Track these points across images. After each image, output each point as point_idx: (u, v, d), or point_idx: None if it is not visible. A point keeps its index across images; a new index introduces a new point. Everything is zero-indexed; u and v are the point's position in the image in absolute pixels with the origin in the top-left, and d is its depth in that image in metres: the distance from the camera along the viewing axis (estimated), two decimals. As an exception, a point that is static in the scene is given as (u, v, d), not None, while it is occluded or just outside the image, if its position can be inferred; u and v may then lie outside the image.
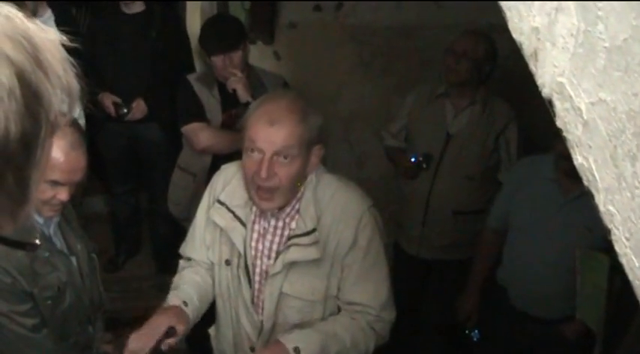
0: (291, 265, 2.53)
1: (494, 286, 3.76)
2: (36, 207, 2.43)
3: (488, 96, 4.05)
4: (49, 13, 4.88)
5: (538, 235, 3.45)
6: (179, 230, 4.66)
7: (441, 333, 4.27)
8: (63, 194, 2.40)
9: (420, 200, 4.12)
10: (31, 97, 0.76)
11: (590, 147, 0.90)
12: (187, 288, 2.79)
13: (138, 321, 4.96)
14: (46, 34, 0.83)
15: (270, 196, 2.46)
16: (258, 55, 4.65)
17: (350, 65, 4.89)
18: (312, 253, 2.50)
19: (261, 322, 2.65)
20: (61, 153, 2.32)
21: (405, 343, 3.19)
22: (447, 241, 4.15)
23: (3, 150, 0.73)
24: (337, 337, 2.51)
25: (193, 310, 2.69)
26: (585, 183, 0.92)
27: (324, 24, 4.68)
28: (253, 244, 2.63)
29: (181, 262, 2.96)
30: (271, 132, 2.39)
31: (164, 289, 5.18)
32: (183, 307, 2.65)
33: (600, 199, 0.90)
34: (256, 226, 2.63)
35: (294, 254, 2.52)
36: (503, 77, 4.23)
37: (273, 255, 2.59)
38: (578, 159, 0.92)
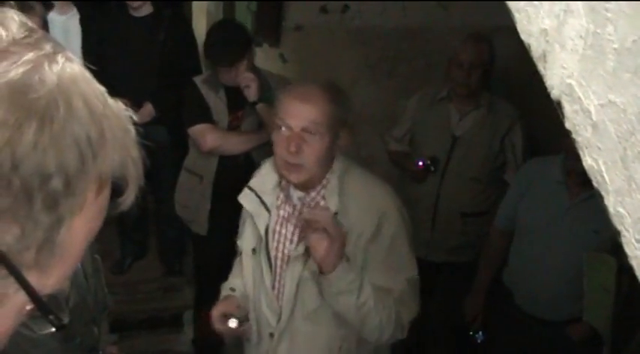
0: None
1: (500, 287, 3.76)
2: None
3: (492, 97, 4.06)
4: (74, 11, 4.90)
5: (545, 237, 3.45)
6: (186, 233, 4.67)
7: (446, 334, 4.27)
8: None
9: (428, 203, 4.11)
10: (81, 135, 0.77)
11: (599, 149, 0.90)
12: (234, 279, 2.93)
13: (143, 323, 5.00)
14: (118, 105, 0.86)
15: (298, 170, 2.52)
16: (264, 57, 4.64)
17: (356, 68, 4.89)
18: None
19: (280, 307, 2.68)
20: None
21: (410, 344, 3.19)
22: (455, 243, 4.15)
23: (38, 167, 0.74)
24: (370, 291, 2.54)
25: (242, 295, 2.83)
26: (595, 185, 0.92)
27: (330, 26, 4.68)
28: (277, 228, 2.69)
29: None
30: (301, 108, 2.48)
31: (170, 291, 5.25)
32: (231, 292, 2.84)
33: (610, 201, 0.90)
34: (281, 212, 2.69)
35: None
36: (508, 79, 4.23)
37: (296, 239, 2.64)
38: (587, 161, 0.92)
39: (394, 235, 2.58)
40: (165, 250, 5.31)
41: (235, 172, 3.99)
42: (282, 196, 2.70)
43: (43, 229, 0.77)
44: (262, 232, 2.69)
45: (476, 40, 3.98)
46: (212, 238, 4.24)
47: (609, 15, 0.88)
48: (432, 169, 4.02)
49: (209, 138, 4.00)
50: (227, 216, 4.19)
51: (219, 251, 4.32)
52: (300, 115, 2.48)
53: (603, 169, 0.90)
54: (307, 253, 2.55)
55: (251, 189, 2.75)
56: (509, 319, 3.68)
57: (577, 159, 2.89)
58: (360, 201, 2.57)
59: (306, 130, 2.48)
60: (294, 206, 2.67)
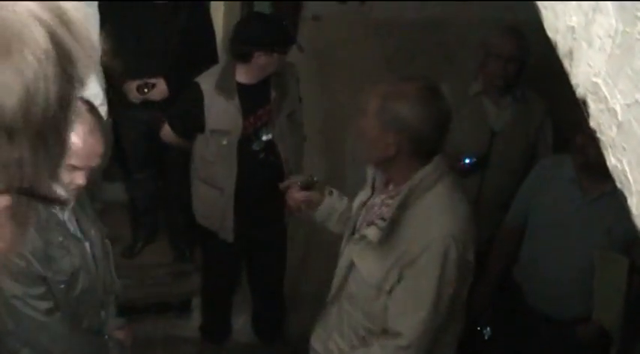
0: (366, 241, 2.65)
1: (510, 283, 3.75)
2: None
3: (525, 91, 4.05)
4: None
5: (557, 235, 3.44)
6: (195, 219, 4.67)
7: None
8: (80, 179, 2.43)
9: (470, 199, 4.03)
10: (65, 58, 0.77)
11: (624, 149, 0.89)
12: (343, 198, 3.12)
13: (152, 308, 5.02)
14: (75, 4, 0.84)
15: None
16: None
17: (373, 59, 4.86)
18: (375, 235, 2.59)
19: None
20: (79, 138, 2.35)
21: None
22: (491, 232, 4.11)
23: (45, 111, 0.74)
24: None
25: (332, 199, 3.08)
26: (618, 185, 0.91)
27: (348, 17, 4.65)
28: (368, 209, 2.81)
29: None
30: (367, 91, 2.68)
31: (180, 277, 5.25)
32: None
33: (633, 202, 0.89)
34: (376, 198, 2.79)
35: (368, 230, 2.65)
36: (527, 73, 4.21)
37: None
38: (611, 161, 0.91)
39: (427, 265, 2.56)
40: (175, 236, 5.31)
41: (255, 178, 4.01)
42: (381, 181, 2.79)
43: (55, 162, 0.80)
44: (356, 205, 2.85)
45: (514, 34, 3.94)
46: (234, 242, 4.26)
47: (639, 14, 0.87)
48: (477, 168, 3.97)
49: (165, 134, 4.23)
50: (251, 221, 4.19)
51: (229, 249, 4.33)
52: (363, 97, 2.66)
53: (627, 169, 0.89)
54: (362, 241, 2.69)
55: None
56: (518, 315, 3.68)
57: (586, 153, 2.88)
58: (420, 219, 2.58)
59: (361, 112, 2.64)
60: (381, 196, 2.75)
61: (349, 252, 2.76)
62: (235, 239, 4.22)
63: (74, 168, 2.40)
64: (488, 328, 3.89)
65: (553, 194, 3.51)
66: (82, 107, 2.40)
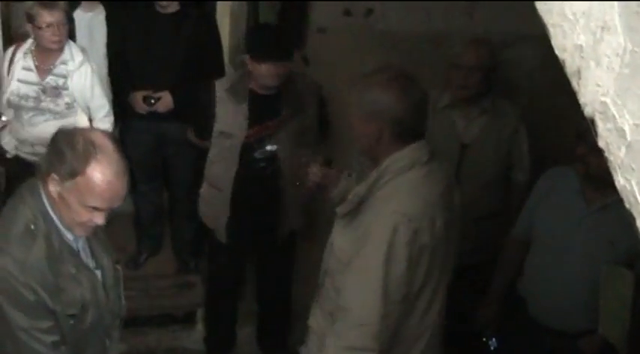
0: (345, 220, 2.78)
1: (515, 296, 3.74)
2: (69, 225, 2.46)
3: (495, 100, 4.04)
4: (100, 9, 4.95)
5: (560, 247, 3.42)
6: (200, 230, 4.69)
7: (457, 340, 4.24)
8: (99, 219, 2.44)
9: None
10: None
11: (632, 169, 0.89)
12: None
13: (156, 319, 5.01)
14: None
15: None
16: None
17: (377, 71, 4.86)
18: (342, 209, 2.77)
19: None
20: (105, 181, 2.34)
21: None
22: (467, 246, 4.10)
23: None
24: None
25: (350, 181, 3.07)
26: (627, 206, 0.91)
27: (353, 30, 4.66)
28: None
29: None
30: None
31: (184, 288, 5.24)
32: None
33: (642, 224, 0.89)
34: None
35: (340, 206, 2.81)
36: (530, 88, 4.21)
37: None
38: (620, 181, 0.91)
39: (372, 248, 2.62)
40: (180, 247, 5.31)
41: (253, 184, 4.02)
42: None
43: None
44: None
45: (475, 43, 3.96)
46: (229, 246, 4.29)
47: (648, 34, 0.87)
48: None
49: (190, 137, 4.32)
50: (245, 226, 4.21)
51: (234, 258, 4.35)
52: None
53: (636, 189, 0.88)
54: (341, 221, 2.80)
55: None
56: (523, 327, 3.66)
57: (587, 162, 2.88)
58: (380, 200, 2.67)
59: None
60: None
61: (332, 234, 2.87)
62: (238, 246, 4.28)
63: (95, 209, 2.41)
64: (494, 339, 3.88)
65: (557, 205, 3.49)
66: (109, 146, 2.39)
